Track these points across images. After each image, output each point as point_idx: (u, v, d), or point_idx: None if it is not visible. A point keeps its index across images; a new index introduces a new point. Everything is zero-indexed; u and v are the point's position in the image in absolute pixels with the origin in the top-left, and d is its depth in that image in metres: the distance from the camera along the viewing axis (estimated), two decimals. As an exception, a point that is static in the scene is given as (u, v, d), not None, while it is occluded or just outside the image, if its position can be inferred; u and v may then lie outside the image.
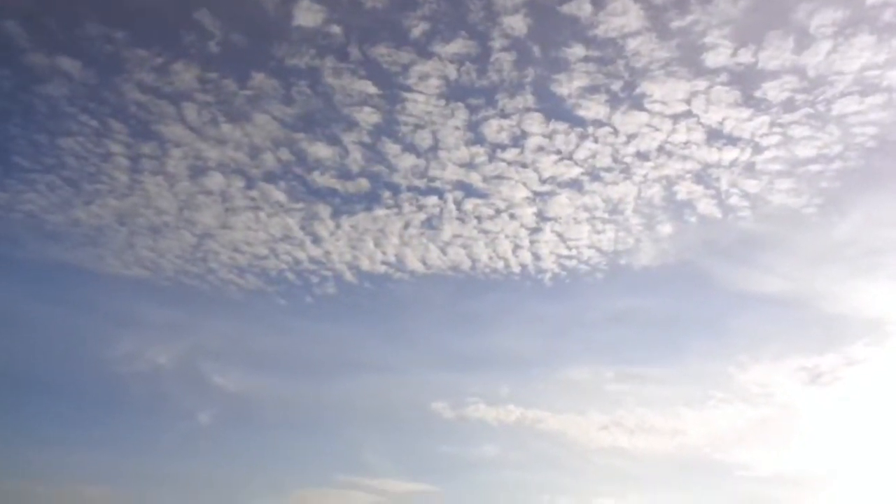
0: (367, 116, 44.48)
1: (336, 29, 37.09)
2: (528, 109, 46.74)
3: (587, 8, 36.21)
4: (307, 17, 35.85)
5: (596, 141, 47.96)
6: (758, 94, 41.84)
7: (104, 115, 43.76)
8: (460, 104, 45.59)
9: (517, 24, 36.61)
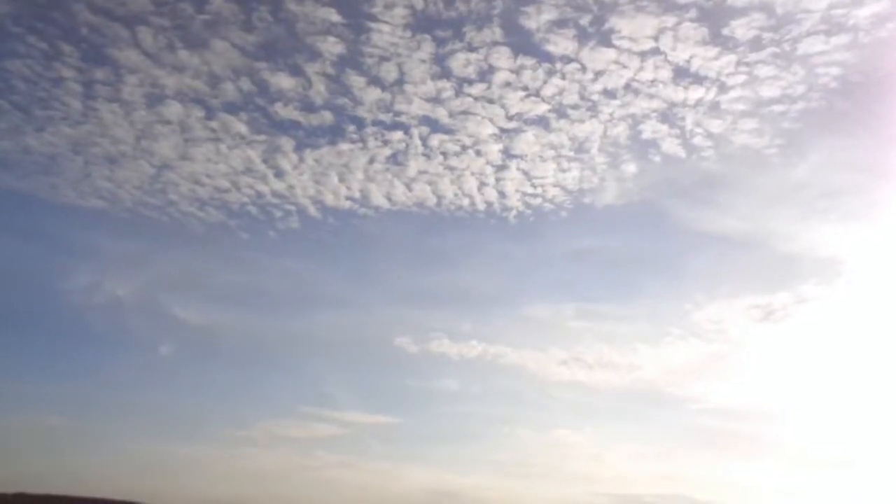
0: (331, 47, 42.87)
1: (299, -49, 35.22)
2: (495, 43, 45.51)
3: (557, -62, 35.15)
4: (267, -62, 33.96)
5: (563, 77, 47.13)
6: (725, 31, 41.48)
7: (54, 36, 41.18)
8: (427, 36, 44.27)
9: (486, -48, 35.39)
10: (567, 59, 43.00)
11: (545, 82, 47.36)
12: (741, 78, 50.36)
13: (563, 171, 61.81)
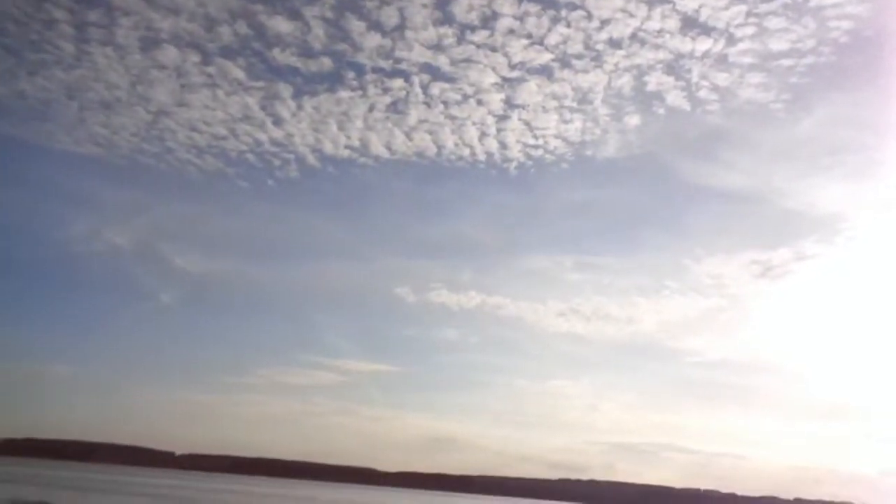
0: (330, -12, 41.11)
1: None
2: (499, -12, 43.64)
3: None
4: None
5: (568, 25, 45.41)
6: (736, -21, 39.71)
7: (43, -25, 39.55)
8: (429, -23, 42.35)
9: None
10: (573, 6, 41.41)
11: (549, 30, 45.79)
12: (750, 30, 48.72)
13: (566, 122, 60.89)
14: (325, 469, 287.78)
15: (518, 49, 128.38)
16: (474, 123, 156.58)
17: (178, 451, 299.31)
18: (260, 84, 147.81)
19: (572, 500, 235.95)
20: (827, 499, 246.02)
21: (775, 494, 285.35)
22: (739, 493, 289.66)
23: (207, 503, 46.05)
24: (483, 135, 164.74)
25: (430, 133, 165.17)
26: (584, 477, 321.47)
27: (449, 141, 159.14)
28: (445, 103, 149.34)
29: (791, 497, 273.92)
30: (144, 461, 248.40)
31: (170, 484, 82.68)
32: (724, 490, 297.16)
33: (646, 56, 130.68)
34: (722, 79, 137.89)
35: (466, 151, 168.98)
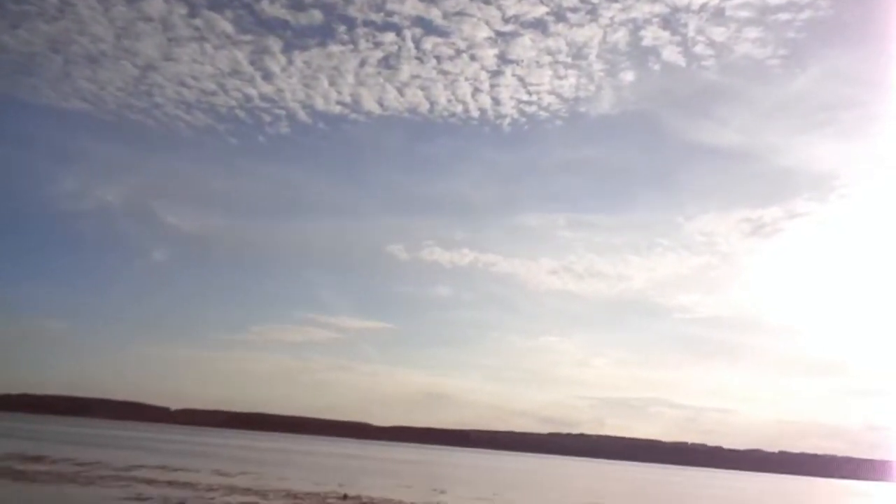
0: (320, -64, 39.76)
1: None
2: (494, -64, 42.24)
3: None
4: None
5: (564, -23, 44.05)
6: (736, -73, 38.52)
7: (20, -80, 38.00)
8: (422, -73, 40.98)
9: None
10: (569, -43, 40.28)
11: (545, -18, 44.48)
12: (748, -18, 47.45)
13: (560, 78, 59.94)
14: (322, 424, 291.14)
15: (512, 2, 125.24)
16: (467, 79, 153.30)
17: (174, 407, 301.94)
18: (249, 38, 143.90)
19: (563, 454, 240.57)
20: (810, 451, 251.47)
21: (760, 447, 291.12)
22: (726, 446, 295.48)
23: (205, 456, 46.40)
24: (476, 91, 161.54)
25: (423, 89, 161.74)
26: (575, 431, 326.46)
27: (441, 97, 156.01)
28: (438, 58, 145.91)
29: (776, 450, 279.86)
30: (139, 417, 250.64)
31: (166, 438, 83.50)
32: (711, 444, 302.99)
33: (642, 9, 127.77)
34: (718, 33, 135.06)
35: (459, 108, 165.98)
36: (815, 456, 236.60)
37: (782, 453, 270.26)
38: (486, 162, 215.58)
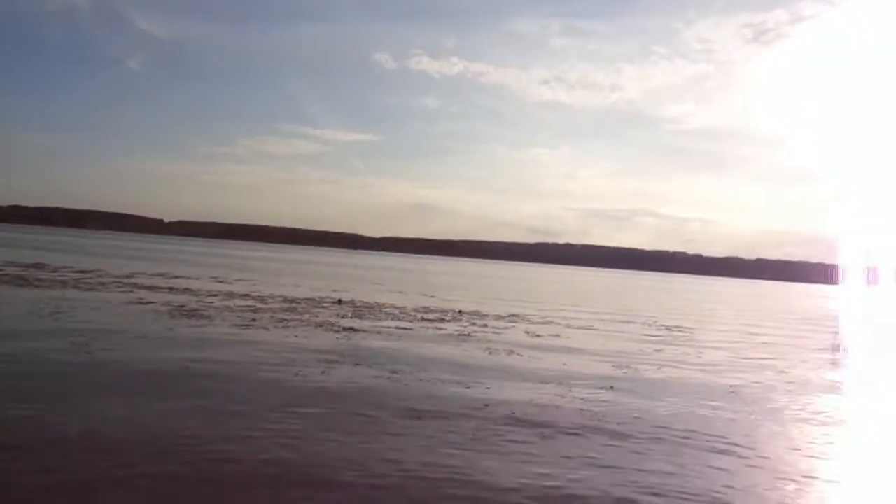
0: None
1: None
2: None
3: None
4: None
5: None
6: None
7: None
8: None
9: None
10: None
11: None
12: None
13: None
14: (315, 235, 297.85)
15: None
16: None
17: (168, 219, 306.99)
18: None
19: (548, 262, 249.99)
20: (785, 258, 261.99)
21: (738, 255, 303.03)
22: (705, 254, 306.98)
23: (202, 265, 47.77)
24: None
25: None
26: (561, 241, 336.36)
27: None
28: None
29: (753, 257, 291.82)
30: (134, 228, 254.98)
31: (162, 248, 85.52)
32: (691, 252, 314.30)
33: None
34: None
35: None
36: (790, 262, 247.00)
37: (759, 260, 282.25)
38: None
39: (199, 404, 8.56)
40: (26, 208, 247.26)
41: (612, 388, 11.68)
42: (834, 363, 19.30)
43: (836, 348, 23.45)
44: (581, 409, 9.76)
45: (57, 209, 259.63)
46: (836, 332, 31.32)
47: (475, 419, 8.74)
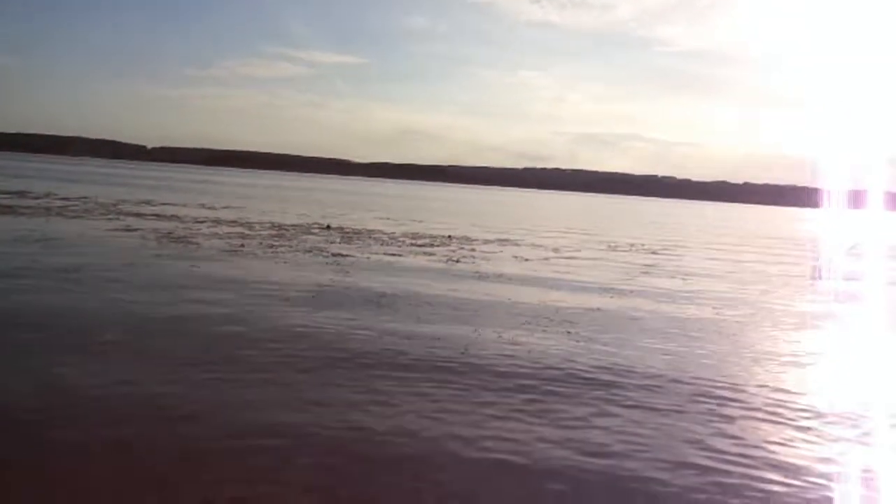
0: None
1: None
2: None
3: None
4: None
5: None
6: None
7: None
8: None
9: None
10: None
11: None
12: None
13: None
14: (302, 161, 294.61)
15: None
16: None
17: (150, 145, 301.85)
18: None
19: (537, 187, 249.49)
20: (773, 182, 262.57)
21: (726, 179, 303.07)
22: (694, 178, 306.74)
23: (187, 192, 47.36)
24: None
25: None
26: (549, 165, 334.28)
27: None
28: None
29: (741, 181, 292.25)
30: (116, 154, 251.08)
31: (147, 175, 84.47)
32: (680, 176, 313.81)
33: None
34: None
35: None
36: (777, 186, 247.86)
37: (746, 184, 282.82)
38: None
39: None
40: (6, 134, 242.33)
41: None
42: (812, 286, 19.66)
43: (815, 273, 23.90)
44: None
45: (38, 136, 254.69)
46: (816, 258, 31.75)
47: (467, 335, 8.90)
